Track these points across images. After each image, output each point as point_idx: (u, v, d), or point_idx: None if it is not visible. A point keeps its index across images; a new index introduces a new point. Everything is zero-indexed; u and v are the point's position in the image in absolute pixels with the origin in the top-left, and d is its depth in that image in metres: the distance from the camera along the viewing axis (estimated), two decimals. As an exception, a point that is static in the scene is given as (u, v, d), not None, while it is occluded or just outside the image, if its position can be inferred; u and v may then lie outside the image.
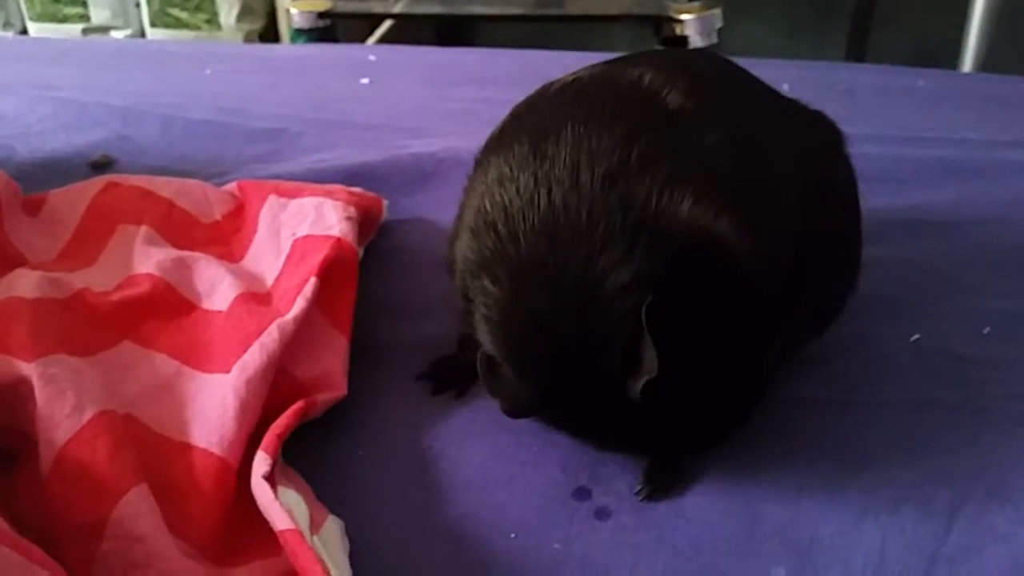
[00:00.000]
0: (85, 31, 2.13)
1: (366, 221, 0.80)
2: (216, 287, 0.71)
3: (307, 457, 0.60)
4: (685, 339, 0.50)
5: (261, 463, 0.55)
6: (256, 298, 0.69)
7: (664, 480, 0.59)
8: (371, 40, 1.97)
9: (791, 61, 1.40)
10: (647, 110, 0.58)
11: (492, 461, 0.61)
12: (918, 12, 2.11)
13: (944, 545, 0.54)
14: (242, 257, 0.79)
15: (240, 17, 2.07)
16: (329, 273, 0.69)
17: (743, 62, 0.70)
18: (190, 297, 0.71)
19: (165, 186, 0.83)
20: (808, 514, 0.57)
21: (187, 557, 0.51)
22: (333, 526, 0.55)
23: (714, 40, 1.72)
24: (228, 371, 0.61)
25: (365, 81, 1.27)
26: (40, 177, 0.90)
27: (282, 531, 0.51)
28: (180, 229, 0.80)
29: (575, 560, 0.54)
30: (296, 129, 1.07)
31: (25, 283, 0.66)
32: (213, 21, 2.07)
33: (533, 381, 0.54)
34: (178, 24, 2.08)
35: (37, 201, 0.82)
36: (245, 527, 0.55)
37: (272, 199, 0.81)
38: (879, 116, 1.13)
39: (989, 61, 1.73)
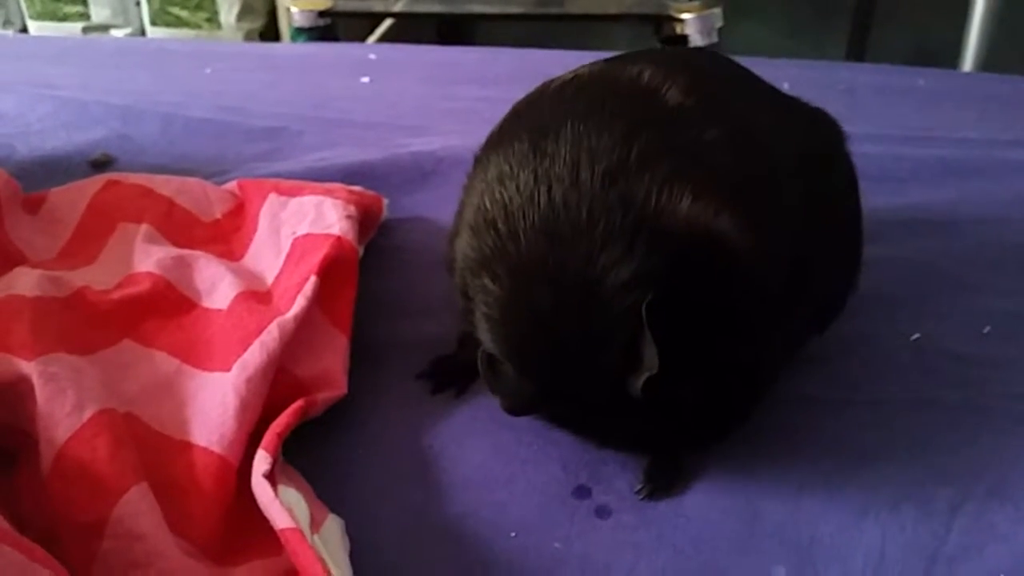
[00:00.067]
0: (85, 29, 2.13)
1: (366, 220, 0.80)
2: (216, 285, 0.71)
3: (307, 456, 0.60)
4: (685, 336, 0.50)
5: (261, 462, 0.55)
6: (256, 297, 0.69)
7: (664, 479, 0.59)
8: (371, 39, 1.97)
9: (791, 60, 1.40)
10: (647, 107, 0.58)
11: (492, 460, 0.61)
12: (918, 12, 2.11)
13: (944, 544, 0.54)
14: (242, 256, 0.79)
15: (240, 16, 2.06)
16: (329, 272, 0.69)
17: (743, 61, 0.70)
18: (190, 295, 0.71)
19: (165, 184, 0.83)
20: (808, 512, 0.57)
21: (187, 556, 0.51)
22: (333, 525, 0.55)
23: (714, 39, 1.72)
24: (228, 369, 0.61)
25: (365, 80, 1.27)
26: (40, 175, 0.90)
27: (282, 530, 0.51)
28: (180, 227, 0.80)
29: (575, 559, 0.54)
30: (296, 128, 1.07)
31: (25, 281, 0.66)
32: (213, 20, 2.07)
33: (533, 379, 0.54)
34: (178, 23, 2.08)
35: (37, 199, 0.82)
36: (245, 526, 0.55)
37: (272, 198, 0.81)
38: (879, 115, 1.13)
39: (989, 61, 1.73)
